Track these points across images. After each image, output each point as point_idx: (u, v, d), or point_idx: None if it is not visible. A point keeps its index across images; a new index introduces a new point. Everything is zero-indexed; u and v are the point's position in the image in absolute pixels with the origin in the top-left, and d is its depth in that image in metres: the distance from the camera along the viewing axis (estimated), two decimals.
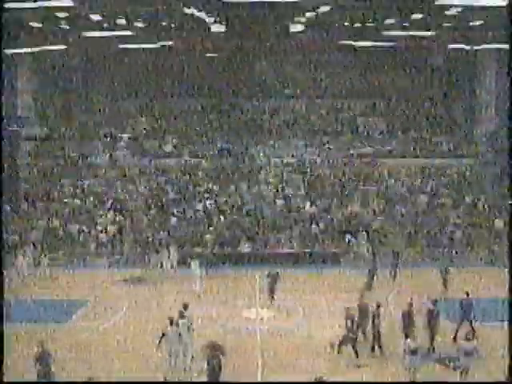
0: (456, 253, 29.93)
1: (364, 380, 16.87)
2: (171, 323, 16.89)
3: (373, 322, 18.52)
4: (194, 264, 25.91)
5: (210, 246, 30.10)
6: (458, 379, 16.12)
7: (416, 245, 30.86)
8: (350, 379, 16.82)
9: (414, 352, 16.08)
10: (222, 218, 32.76)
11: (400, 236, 31.55)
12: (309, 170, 39.22)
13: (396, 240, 31.07)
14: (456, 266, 26.87)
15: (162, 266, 28.15)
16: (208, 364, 15.15)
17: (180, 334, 16.79)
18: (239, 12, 30.05)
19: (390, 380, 16.75)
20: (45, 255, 27.93)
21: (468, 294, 19.67)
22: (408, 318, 18.35)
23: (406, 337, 16.58)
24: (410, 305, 18.80)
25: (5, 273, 19.03)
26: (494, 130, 39.54)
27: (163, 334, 16.77)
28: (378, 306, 18.68)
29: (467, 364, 15.95)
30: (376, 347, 18.43)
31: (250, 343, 19.46)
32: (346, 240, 30.75)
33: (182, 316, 17.33)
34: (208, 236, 30.62)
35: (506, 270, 20.29)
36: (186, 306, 18.07)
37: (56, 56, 40.98)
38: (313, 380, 13.20)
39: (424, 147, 41.41)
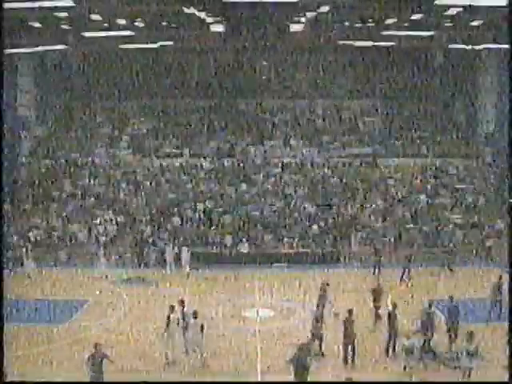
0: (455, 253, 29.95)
1: (365, 380, 16.87)
2: (172, 311, 17.85)
3: (389, 322, 18.48)
4: (185, 251, 28.08)
5: (211, 245, 30.10)
6: (460, 379, 16.12)
7: (415, 245, 30.86)
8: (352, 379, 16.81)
9: (408, 351, 16.10)
10: (222, 218, 32.74)
11: (399, 236, 31.56)
12: (309, 170, 39.19)
13: (395, 241, 31.10)
14: (455, 266, 26.82)
15: (162, 265, 28.17)
16: (294, 365, 15.33)
17: (202, 327, 17.49)
18: (239, 12, 29.97)
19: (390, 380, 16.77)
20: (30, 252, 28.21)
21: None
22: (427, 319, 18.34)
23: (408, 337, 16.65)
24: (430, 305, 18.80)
25: (7, 273, 19.03)
26: (494, 130, 39.49)
27: (168, 319, 17.67)
28: (394, 307, 18.69)
29: (469, 365, 15.91)
30: (390, 348, 18.40)
31: (250, 343, 19.46)
32: (346, 240, 30.72)
33: (194, 315, 17.71)
34: (208, 236, 30.60)
35: (506, 270, 20.27)
36: (182, 302, 18.63)
37: (56, 56, 40.93)
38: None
39: (424, 147, 41.35)
